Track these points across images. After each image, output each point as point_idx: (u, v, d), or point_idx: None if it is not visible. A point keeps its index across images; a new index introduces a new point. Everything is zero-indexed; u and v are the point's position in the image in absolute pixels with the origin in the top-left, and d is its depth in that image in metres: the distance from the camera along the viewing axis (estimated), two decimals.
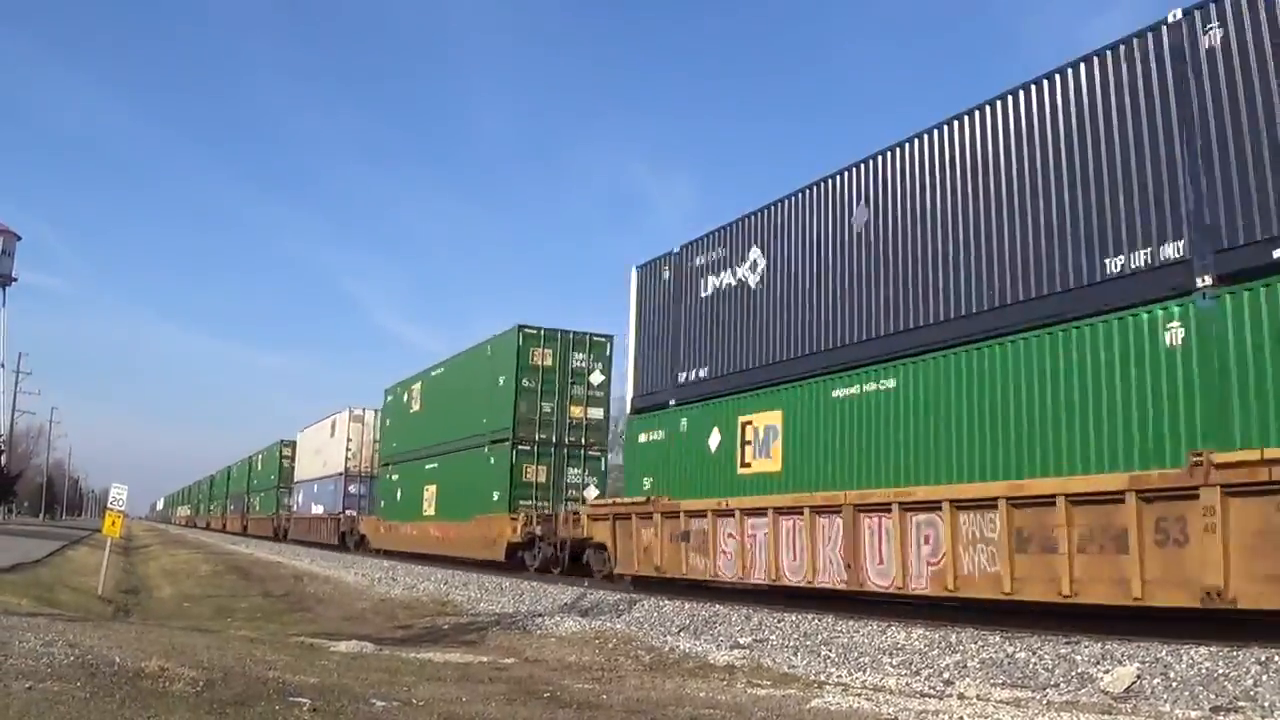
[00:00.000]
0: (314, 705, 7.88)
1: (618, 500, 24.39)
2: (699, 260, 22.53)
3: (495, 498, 31.49)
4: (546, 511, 30.07)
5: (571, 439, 31.89)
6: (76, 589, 23.11)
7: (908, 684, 11.22)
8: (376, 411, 50.13)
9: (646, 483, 23.11)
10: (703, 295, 22.19)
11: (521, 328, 31.78)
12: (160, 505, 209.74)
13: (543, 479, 31.17)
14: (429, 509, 38.41)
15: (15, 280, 72.19)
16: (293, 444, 67.25)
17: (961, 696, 10.34)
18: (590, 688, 10.35)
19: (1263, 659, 10.01)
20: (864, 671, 12.19)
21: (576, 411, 32.01)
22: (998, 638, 12.85)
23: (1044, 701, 9.89)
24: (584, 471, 31.84)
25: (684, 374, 22.54)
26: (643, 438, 23.72)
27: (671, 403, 22.78)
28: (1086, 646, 11.71)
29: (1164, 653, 10.86)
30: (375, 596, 24.48)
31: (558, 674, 11.47)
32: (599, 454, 32.60)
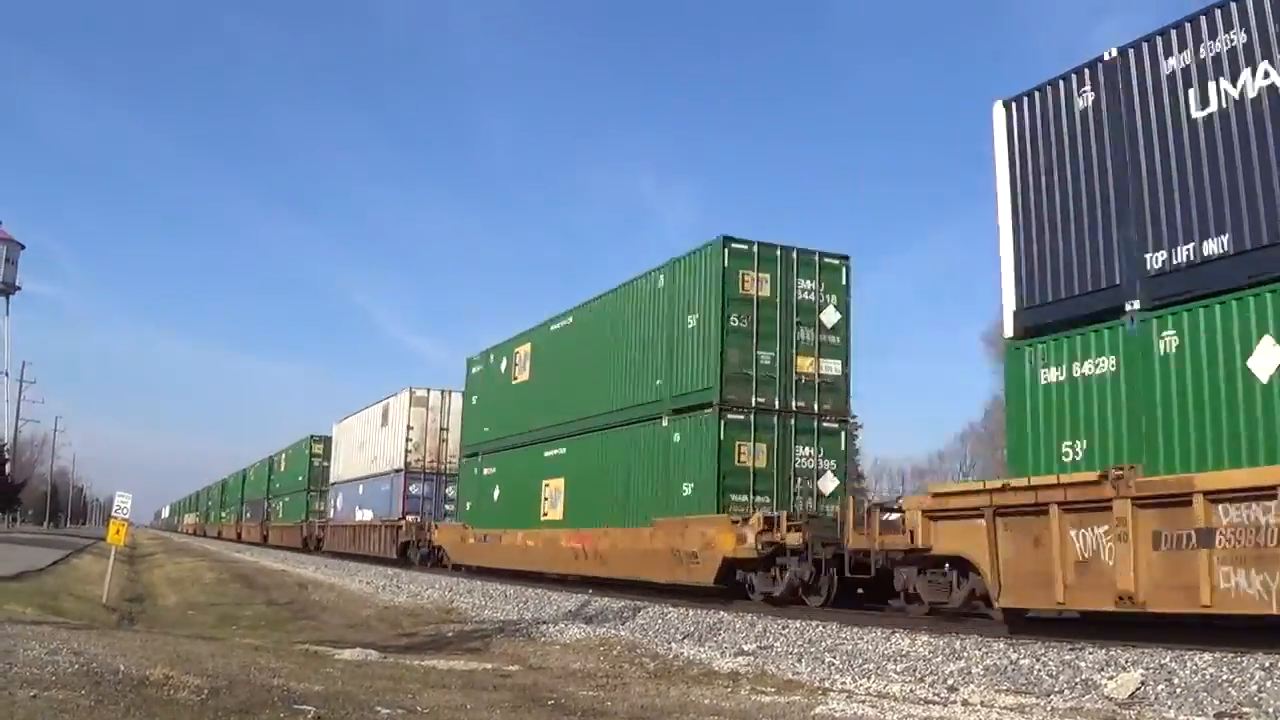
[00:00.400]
0: (319, 713, 7.90)
1: (1011, 482, 14.05)
2: (1175, 60, 13.37)
3: (688, 492, 21.73)
4: (808, 512, 20.27)
5: (800, 404, 21.79)
6: (81, 597, 23.13)
7: (912, 690, 11.22)
8: (446, 392, 41.29)
9: (1069, 450, 14.10)
10: (1194, 116, 13.05)
11: (728, 240, 21.87)
12: (165, 513, 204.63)
13: (762, 463, 21.21)
14: (553, 512, 28.13)
15: (19, 289, 72.51)
16: (326, 439, 58.36)
17: (965, 703, 10.34)
18: (595, 695, 10.36)
19: (1267, 665, 10.01)
20: (868, 678, 12.18)
21: (806, 364, 21.87)
22: (1002, 644, 12.84)
23: (1048, 708, 9.88)
24: (819, 452, 21.78)
25: (1158, 255, 13.35)
26: (1050, 375, 14.51)
27: (1132, 306, 13.50)
28: (1090, 653, 11.70)
29: (1168, 659, 10.85)
30: (379, 604, 24.48)
31: (562, 681, 11.48)
32: (838, 426, 22.25)
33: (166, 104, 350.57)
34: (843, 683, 11.91)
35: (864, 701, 10.25)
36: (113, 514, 24.47)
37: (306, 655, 13.02)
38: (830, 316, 22.26)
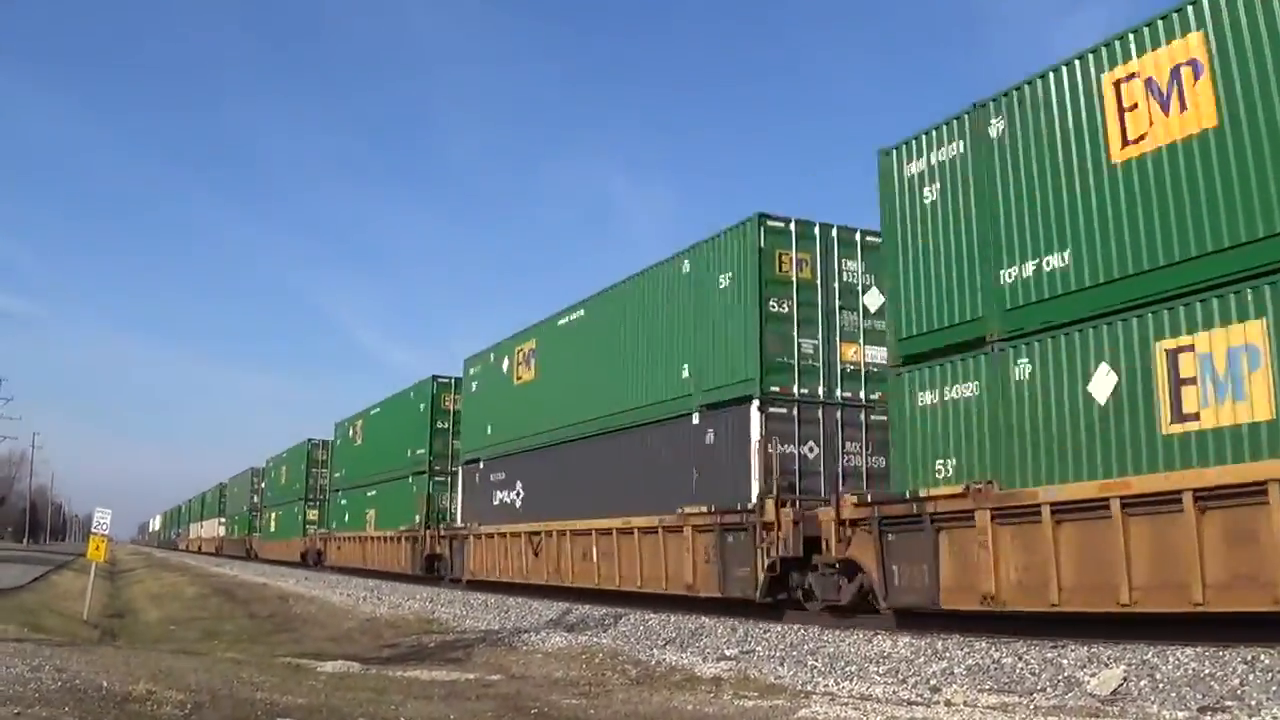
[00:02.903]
0: None
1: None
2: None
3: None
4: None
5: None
6: (62, 614, 23.04)
7: (894, 692, 11.25)
8: None
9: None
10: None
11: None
12: (155, 525, 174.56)
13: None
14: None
15: None
16: None
17: (948, 703, 10.37)
18: (577, 703, 10.36)
19: (1249, 659, 10.06)
20: (851, 680, 12.21)
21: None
22: (984, 644, 12.88)
23: (1031, 706, 9.92)
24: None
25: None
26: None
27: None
28: (1073, 650, 11.75)
29: (1150, 654, 10.91)
30: (361, 616, 24.43)
31: (544, 690, 11.48)
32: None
33: (130, 108, 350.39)
34: (825, 685, 11.94)
35: (847, 704, 10.27)
36: (93, 530, 24.41)
37: (289, 668, 12.99)
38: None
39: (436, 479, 35.33)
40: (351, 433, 46.81)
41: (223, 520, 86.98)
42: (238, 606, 29.76)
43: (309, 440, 55.90)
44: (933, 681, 11.74)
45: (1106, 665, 10.91)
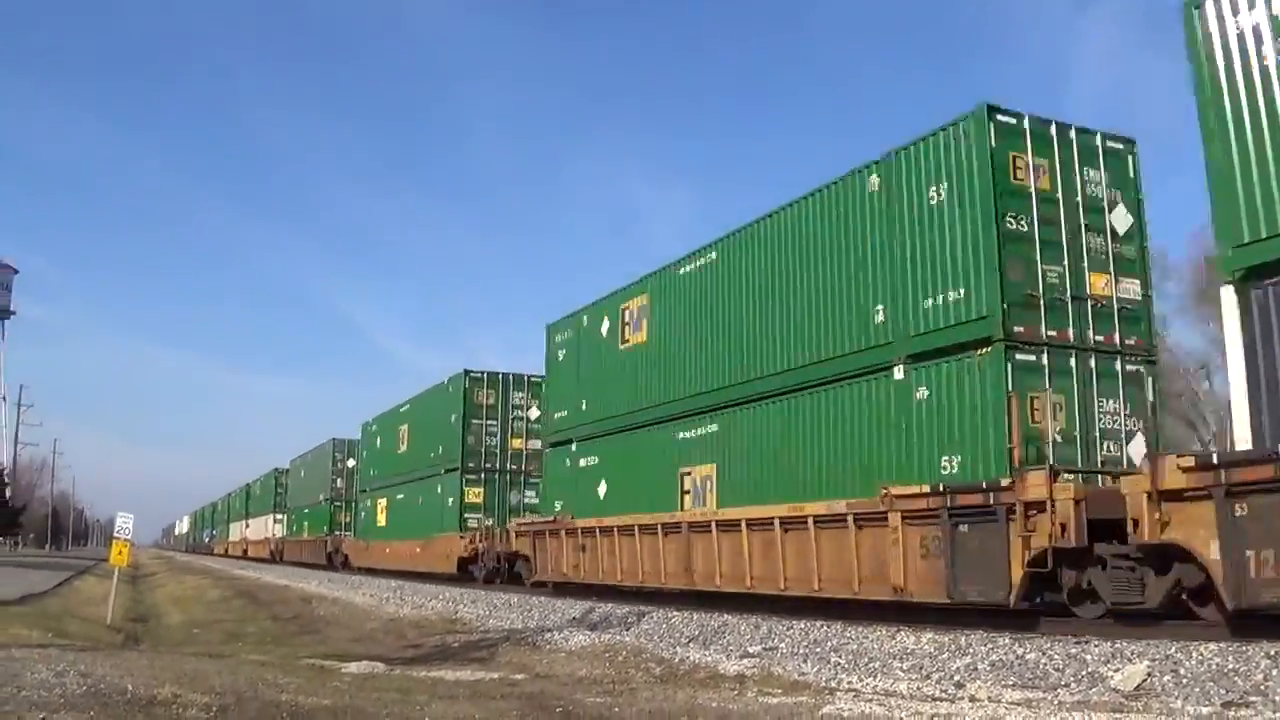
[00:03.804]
0: None
1: None
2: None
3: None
4: None
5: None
6: (85, 618, 23.12)
7: (919, 688, 11.22)
8: None
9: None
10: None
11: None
12: (183, 527, 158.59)
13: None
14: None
15: (14, 313, 72.41)
16: None
17: (973, 699, 10.35)
18: (602, 701, 10.36)
19: (1272, 653, 10.03)
20: (875, 677, 12.18)
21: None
22: (1007, 639, 12.85)
23: (1055, 702, 9.89)
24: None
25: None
26: None
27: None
28: (1096, 645, 11.72)
29: (1174, 650, 10.87)
30: (384, 616, 24.48)
31: (569, 688, 11.48)
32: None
33: (152, 119, 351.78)
34: (849, 682, 11.92)
35: (871, 700, 10.26)
36: (115, 535, 24.51)
37: (313, 670, 13.01)
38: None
39: (1022, 354, 15.24)
40: (607, 326, 26.53)
41: (279, 516, 68.97)
42: (260, 609, 29.84)
43: (465, 371, 36.58)
44: (957, 677, 11.71)
45: (1130, 661, 10.87)
